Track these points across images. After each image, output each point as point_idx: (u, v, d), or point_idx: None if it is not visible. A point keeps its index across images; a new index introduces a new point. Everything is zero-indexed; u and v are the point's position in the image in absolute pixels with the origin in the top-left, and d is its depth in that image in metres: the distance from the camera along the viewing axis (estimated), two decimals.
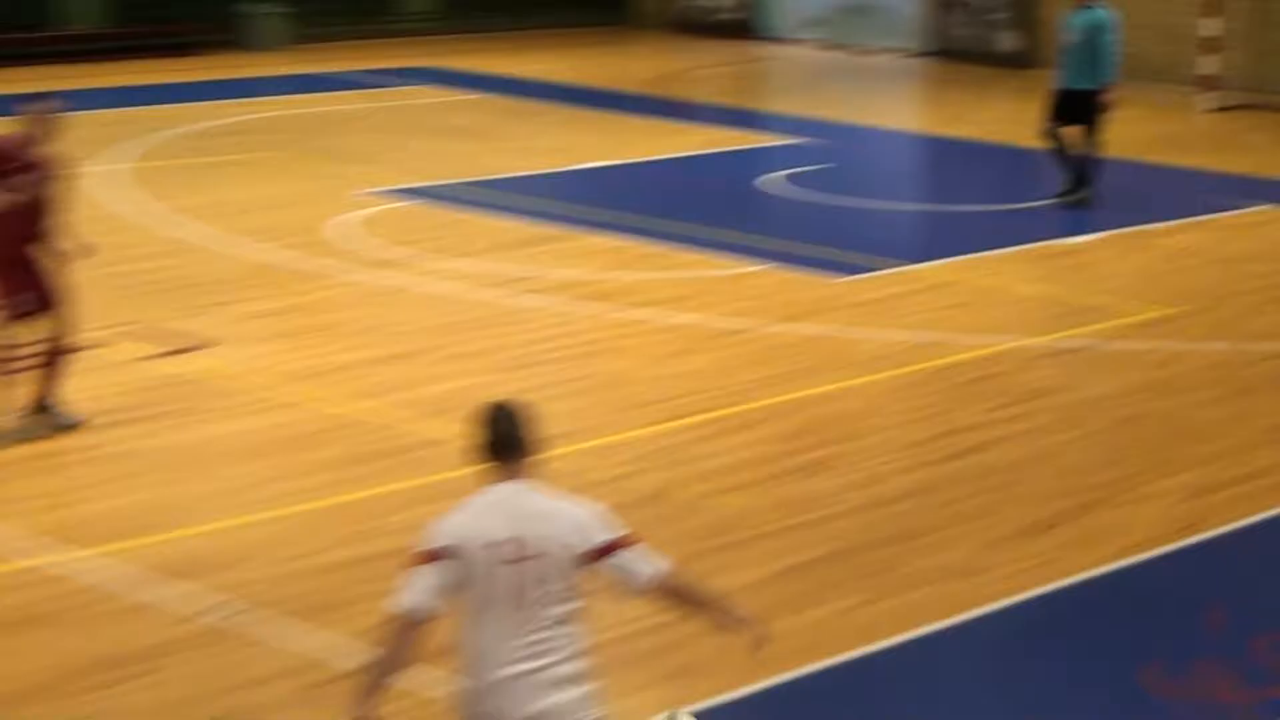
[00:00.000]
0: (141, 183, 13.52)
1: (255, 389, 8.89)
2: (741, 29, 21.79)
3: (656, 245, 11.37)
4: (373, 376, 9.07)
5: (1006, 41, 19.57)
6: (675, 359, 8.77)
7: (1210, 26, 16.70)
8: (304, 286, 11.03)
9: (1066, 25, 12.51)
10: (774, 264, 10.51)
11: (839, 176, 13.99)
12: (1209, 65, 16.78)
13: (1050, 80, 13.06)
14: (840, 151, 14.95)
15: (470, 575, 3.47)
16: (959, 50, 19.57)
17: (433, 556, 3.48)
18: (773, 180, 13.81)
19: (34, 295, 7.52)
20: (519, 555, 3.46)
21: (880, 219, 12.74)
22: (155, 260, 11.52)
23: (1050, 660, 5.19)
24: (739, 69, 21.17)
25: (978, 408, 7.76)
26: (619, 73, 19.57)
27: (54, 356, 7.22)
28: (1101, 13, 12.23)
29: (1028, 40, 18.98)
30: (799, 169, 14.41)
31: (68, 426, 7.10)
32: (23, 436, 6.99)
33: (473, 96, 17.87)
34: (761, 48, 22.00)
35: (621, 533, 3.56)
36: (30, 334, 7.48)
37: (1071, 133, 11.90)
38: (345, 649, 5.00)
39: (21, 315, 7.51)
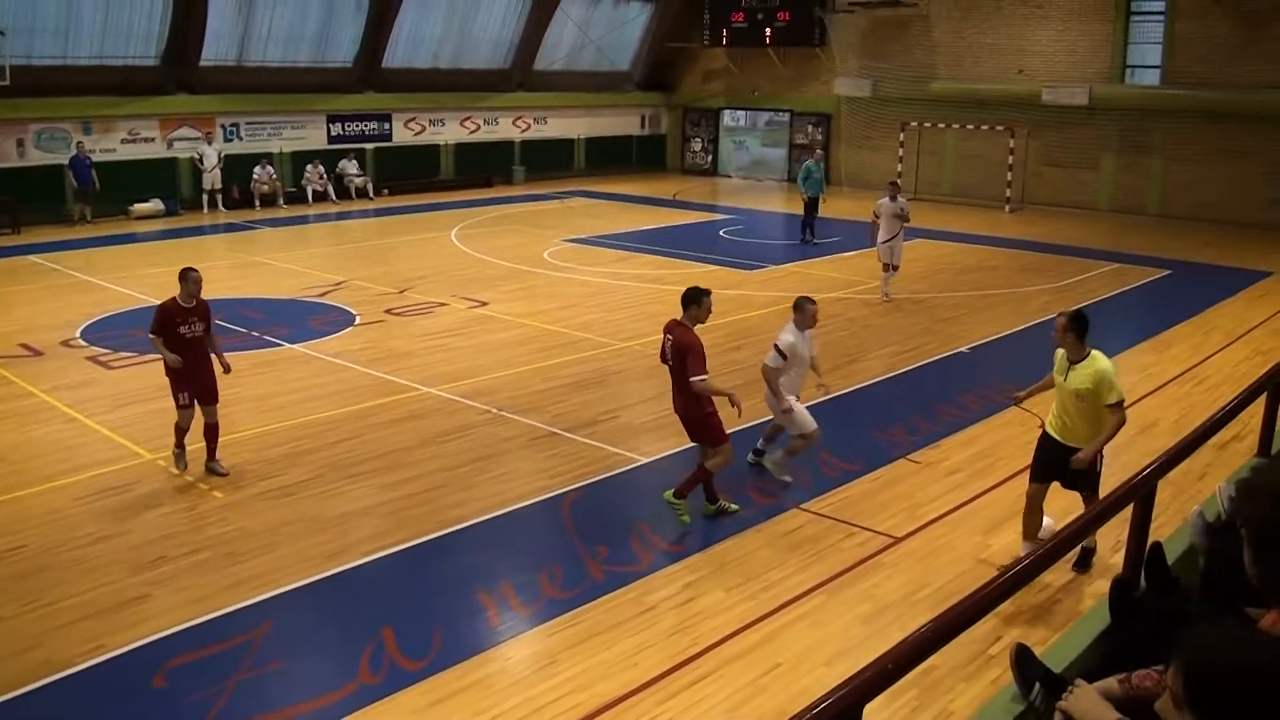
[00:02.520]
0: (463, 239, 21.56)
1: (512, 318, 14.39)
2: (710, 171, 36.21)
3: (673, 258, 19.04)
4: (565, 313, 14.56)
5: None
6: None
7: None
8: (528, 279, 17.35)
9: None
10: (718, 266, 18.45)
11: (750, 230, 23.36)
12: None
13: None
14: (748, 220, 25.09)
15: (795, 358, 8.35)
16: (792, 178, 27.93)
17: (781, 353, 8.28)
18: (719, 234, 22.90)
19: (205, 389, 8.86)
20: (810, 356, 8.67)
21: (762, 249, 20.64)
22: (467, 269, 18.16)
23: None
24: (707, 188, 33.13)
25: None
26: (659, 189, 31.08)
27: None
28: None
29: None
30: (731, 229, 23.59)
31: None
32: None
33: (597, 201, 28.75)
34: (716, 180, 34.89)
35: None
36: None
37: None
38: None
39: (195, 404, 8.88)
